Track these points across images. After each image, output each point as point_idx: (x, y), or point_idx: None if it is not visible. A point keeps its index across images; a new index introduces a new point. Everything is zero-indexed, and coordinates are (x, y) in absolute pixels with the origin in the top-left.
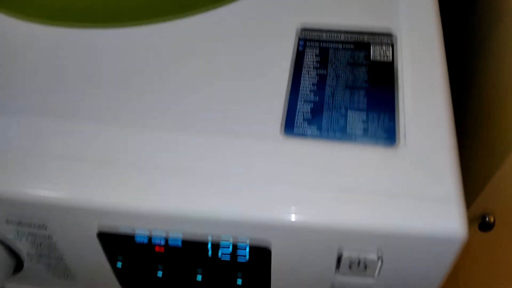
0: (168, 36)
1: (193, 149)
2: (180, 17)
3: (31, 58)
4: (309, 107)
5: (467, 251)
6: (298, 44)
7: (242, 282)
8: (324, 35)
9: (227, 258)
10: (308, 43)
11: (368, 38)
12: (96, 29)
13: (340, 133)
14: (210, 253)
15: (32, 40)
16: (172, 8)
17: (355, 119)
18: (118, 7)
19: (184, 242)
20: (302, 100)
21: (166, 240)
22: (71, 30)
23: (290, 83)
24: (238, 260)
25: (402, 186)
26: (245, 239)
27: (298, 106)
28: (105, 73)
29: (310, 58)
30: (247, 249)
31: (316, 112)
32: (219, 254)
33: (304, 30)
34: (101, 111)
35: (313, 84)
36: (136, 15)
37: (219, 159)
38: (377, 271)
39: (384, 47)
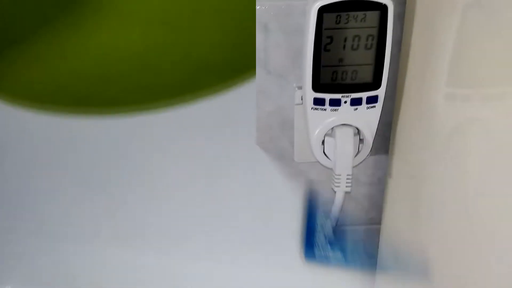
0: (171, 125)
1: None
2: (184, 103)
3: (12, 153)
4: (330, 223)
5: None
6: None
7: None
8: None
9: None
10: None
11: None
12: (88, 117)
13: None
14: None
15: (21, 130)
16: (179, 90)
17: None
18: (113, 93)
19: None
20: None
21: None
22: (62, 120)
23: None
24: None
25: None
26: None
27: (318, 222)
28: (95, 175)
29: None
30: None
31: (339, 230)
32: None
33: None
34: (90, 228)
35: None
36: (133, 100)
37: None
38: None
39: None
